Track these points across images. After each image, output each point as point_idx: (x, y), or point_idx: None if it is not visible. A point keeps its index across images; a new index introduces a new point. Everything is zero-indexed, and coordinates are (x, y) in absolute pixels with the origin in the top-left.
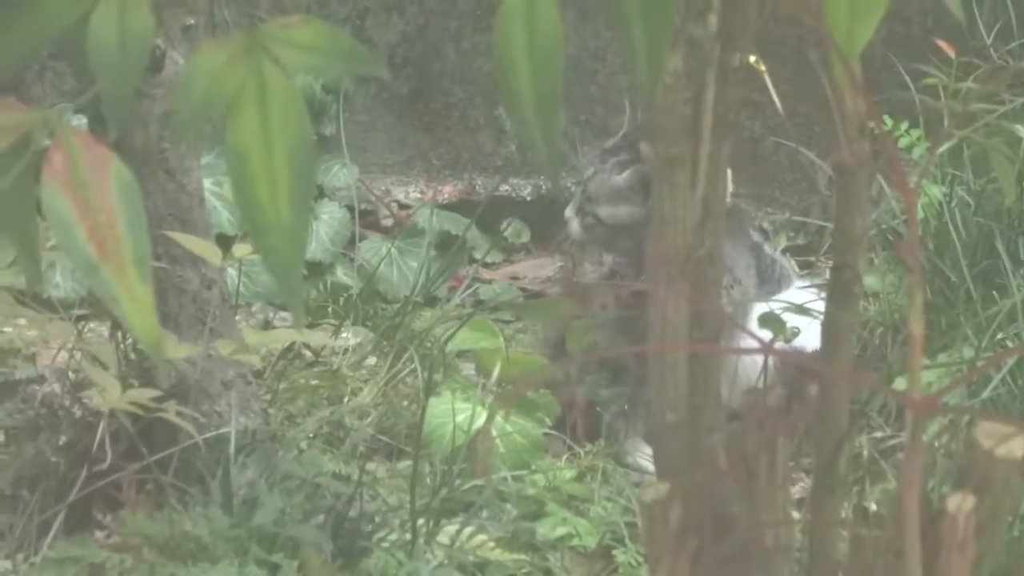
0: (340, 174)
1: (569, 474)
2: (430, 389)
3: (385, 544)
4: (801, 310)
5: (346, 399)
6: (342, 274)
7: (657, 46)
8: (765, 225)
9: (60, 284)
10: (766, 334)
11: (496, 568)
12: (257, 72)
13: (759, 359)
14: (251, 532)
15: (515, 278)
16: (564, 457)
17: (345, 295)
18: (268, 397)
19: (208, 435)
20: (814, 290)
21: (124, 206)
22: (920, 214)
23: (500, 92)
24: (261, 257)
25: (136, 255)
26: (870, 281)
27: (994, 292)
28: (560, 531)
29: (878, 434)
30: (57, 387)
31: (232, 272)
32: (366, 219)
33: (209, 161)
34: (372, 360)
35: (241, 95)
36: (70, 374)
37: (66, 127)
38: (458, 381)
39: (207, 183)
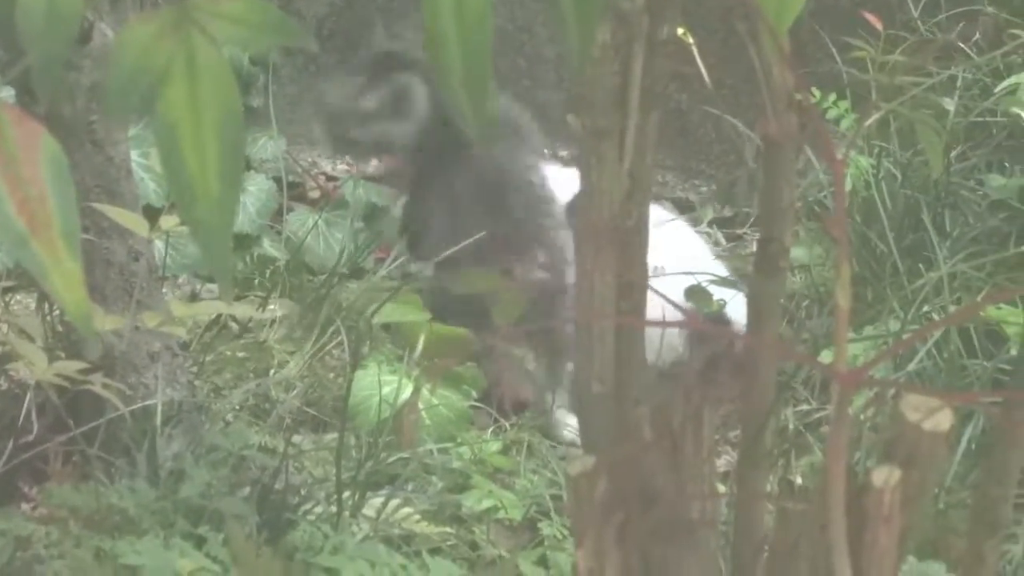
0: (267, 146)
1: (495, 447)
2: (356, 362)
3: (311, 517)
4: (727, 282)
5: (272, 371)
6: (269, 246)
7: (588, 18)
8: (691, 197)
9: None
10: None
11: (422, 540)
12: (186, 44)
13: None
14: (177, 505)
15: None
16: (490, 430)
17: (272, 267)
18: (195, 369)
19: (134, 407)
20: None
21: (54, 180)
22: (848, 186)
23: (430, 63)
24: (190, 229)
25: (65, 228)
26: (797, 253)
27: (920, 265)
28: (486, 503)
29: (804, 407)
30: None
31: (159, 244)
32: (293, 191)
33: (136, 132)
34: (298, 333)
35: (170, 68)
36: None
37: None
38: (384, 354)
39: (134, 155)
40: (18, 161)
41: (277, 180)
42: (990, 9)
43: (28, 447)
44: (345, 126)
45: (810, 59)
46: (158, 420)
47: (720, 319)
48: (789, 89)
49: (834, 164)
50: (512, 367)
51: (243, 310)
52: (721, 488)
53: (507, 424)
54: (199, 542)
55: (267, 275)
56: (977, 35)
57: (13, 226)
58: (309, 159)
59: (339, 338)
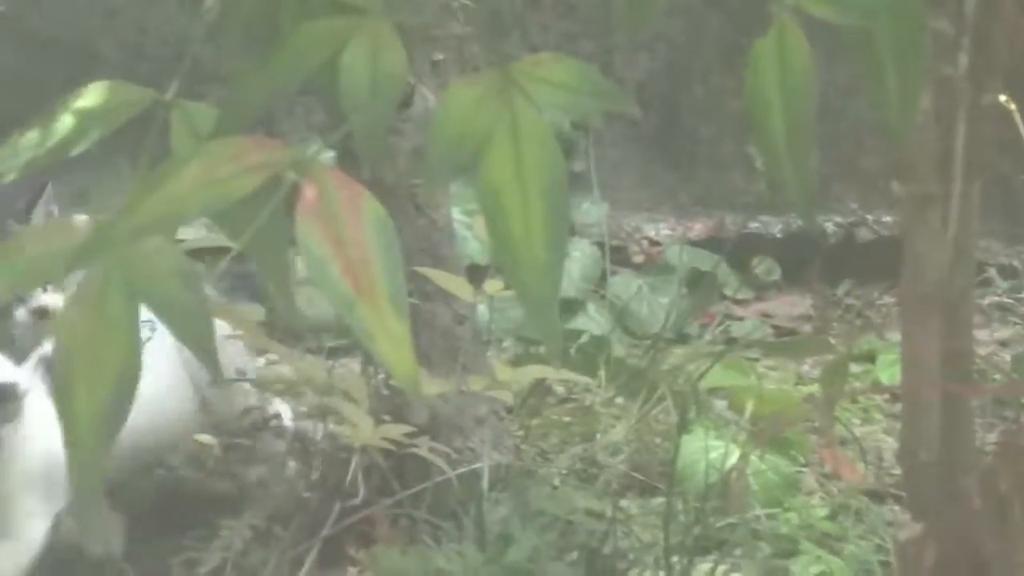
0: (590, 211)
1: (822, 512)
2: (683, 426)
3: None
4: None
5: (598, 435)
6: (593, 311)
7: (910, 86)
8: (1016, 263)
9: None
10: None
11: None
12: (510, 109)
13: None
14: (504, 569)
15: (766, 315)
16: (817, 495)
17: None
18: (520, 433)
19: (461, 471)
20: None
21: (378, 242)
22: None
23: (751, 129)
24: (517, 295)
25: (391, 291)
26: None
27: None
28: (814, 569)
29: None
30: (308, 423)
31: (483, 307)
32: (617, 256)
33: (456, 190)
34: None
35: (494, 132)
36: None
37: (319, 164)
38: (710, 418)
39: (455, 212)
40: (342, 223)
41: (600, 245)
42: None
43: (355, 511)
44: None
45: None
46: (485, 484)
47: None
48: None
49: None
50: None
51: (568, 374)
52: None
53: (835, 489)
54: None
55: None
56: None
57: (339, 289)
58: (632, 224)
59: (665, 403)
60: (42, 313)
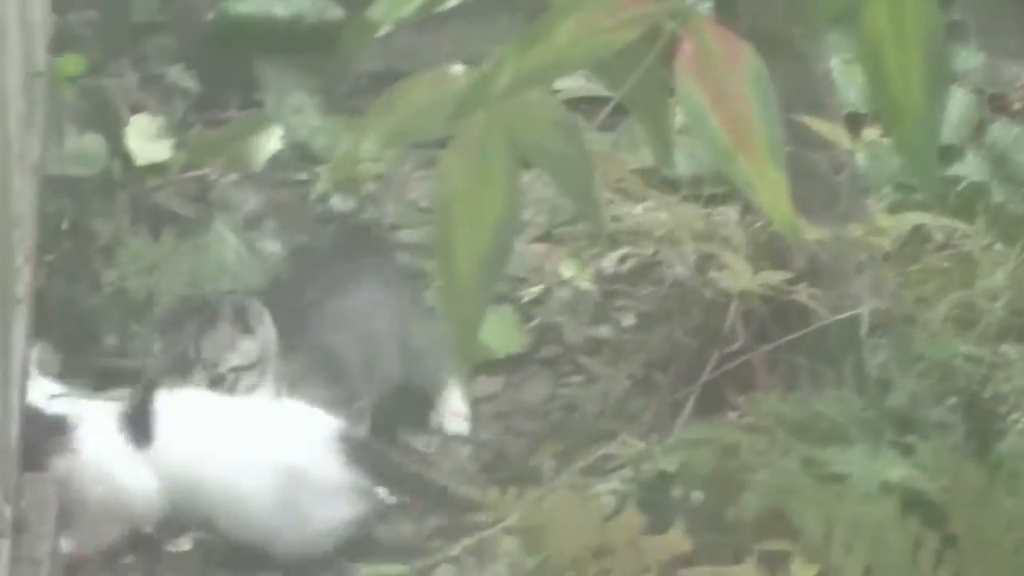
0: (968, 59)
1: None
2: None
3: (1019, 426)
4: None
5: (977, 281)
6: (971, 158)
7: None
8: None
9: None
10: None
11: None
12: None
13: None
14: (884, 414)
15: None
16: None
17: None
18: (899, 279)
19: (840, 317)
20: None
21: (756, 95)
22: None
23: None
24: (895, 142)
25: (770, 142)
26: None
27: None
28: None
29: None
30: (686, 270)
31: (861, 155)
32: (995, 103)
33: (834, 38)
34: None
35: None
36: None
37: (698, 15)
38: None
39: (833, 61)
40: (722, 76)
41: (978, 92)
42: None
43: (733, 357)
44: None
45: None
46: (864, 329)
47: None
48: None
49: None
50: None
51: (946, 221)
52: None
53: None
54: (907, 451)
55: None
56: None
57: (719, 140)
58: (1011, 71)
59: None
60: None
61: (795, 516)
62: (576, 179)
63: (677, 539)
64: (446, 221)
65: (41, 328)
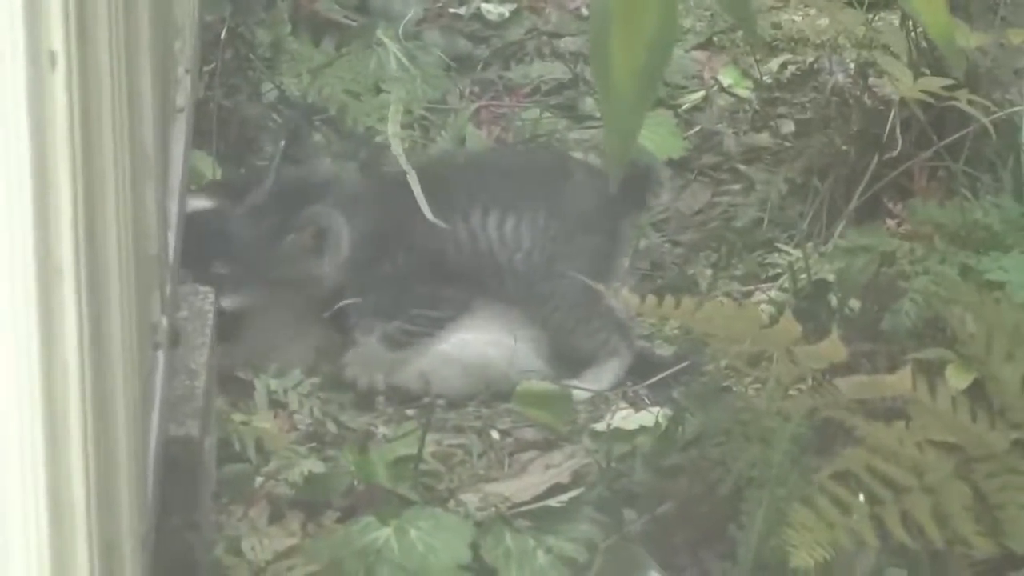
0: None
1: None
2: None
3: None
4: None
5: None
6: None
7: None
8: None
9: None
10: None
11: None
12: None
13: None
14: None
15: None
16: None
17: None
18: None
19: (999, 122)
20: None
21: None
22: None
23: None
24: None
25: None
26: None
27: None
28: None
29: None
30: (845, 77)
31: None
32: None
33: None
34: None
35: None
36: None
37: None
38: None
39: None
40: None
41: None
42: None
43: (892, 163)
44: (264, 267)
45: None
46: (1023, 135)
47: None
48: None
49: None
50: None
51: None
52: None
53: None
54: None
55: None
56: None
57: None
58: None
59: None
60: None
61: (953, 324)
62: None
63: (834, 347)
64: (602, 34)
65: (201, 137)
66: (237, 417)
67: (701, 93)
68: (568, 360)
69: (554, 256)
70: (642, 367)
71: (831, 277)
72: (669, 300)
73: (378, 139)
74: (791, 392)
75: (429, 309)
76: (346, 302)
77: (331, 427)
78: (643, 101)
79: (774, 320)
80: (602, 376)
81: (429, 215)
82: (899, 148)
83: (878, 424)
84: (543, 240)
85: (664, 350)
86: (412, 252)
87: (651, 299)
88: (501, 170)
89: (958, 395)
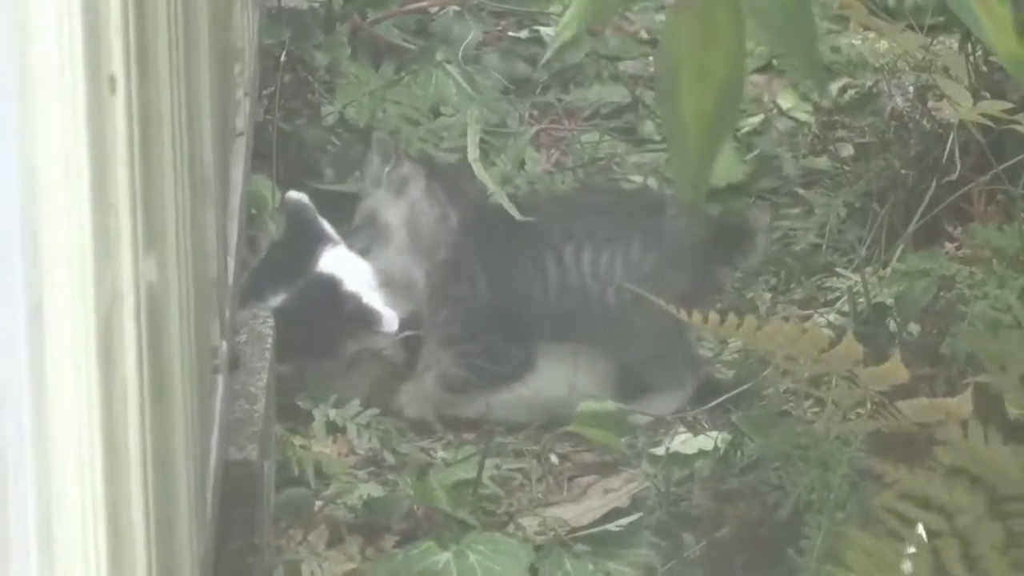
0: None
1: None
2: None
3: None
4: None
5: None
6: None
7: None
8: None
9: None
10: None
11: None
12: None
13: None
14: None
15: None
16: None
17: None
18: None
19: None
20: None
21: None
22: None
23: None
24: None
25: None
26: None
27: None
28: None
29: None
30: (904, 100)
31: None
32: None
33: None
34: None
35: None
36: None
37: None
38: None
39: None
40: None
41: None
42: None
43: (951, 187)
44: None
45: None
46: None
47: None
48: None
49: None
50: None
51: None
52: None
53: None
54: None
55: None
56: None
57: None
58: None
59: None
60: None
61: (1009, 349)
62: (800, 40)
63: (897, 369)
64: (671, 82)
65: (260, 161)
66: (296, 441)
67: (760, 117)
68: (631, 388)
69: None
70: (701, 391)
71: (890, 301)
72: (732, 318)
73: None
74: (849, 416)
75: (490, 363)
76: (407, 333)
77: (388, 456)
78: (714, 146)
79: (835, 342)
80: (663, 403)
81: (517, 215)
82: (958, 172)
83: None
84: (636, 274)
85: (723, 375)
86: (495, 283)
87: (714, 317)
88: (594, 206)
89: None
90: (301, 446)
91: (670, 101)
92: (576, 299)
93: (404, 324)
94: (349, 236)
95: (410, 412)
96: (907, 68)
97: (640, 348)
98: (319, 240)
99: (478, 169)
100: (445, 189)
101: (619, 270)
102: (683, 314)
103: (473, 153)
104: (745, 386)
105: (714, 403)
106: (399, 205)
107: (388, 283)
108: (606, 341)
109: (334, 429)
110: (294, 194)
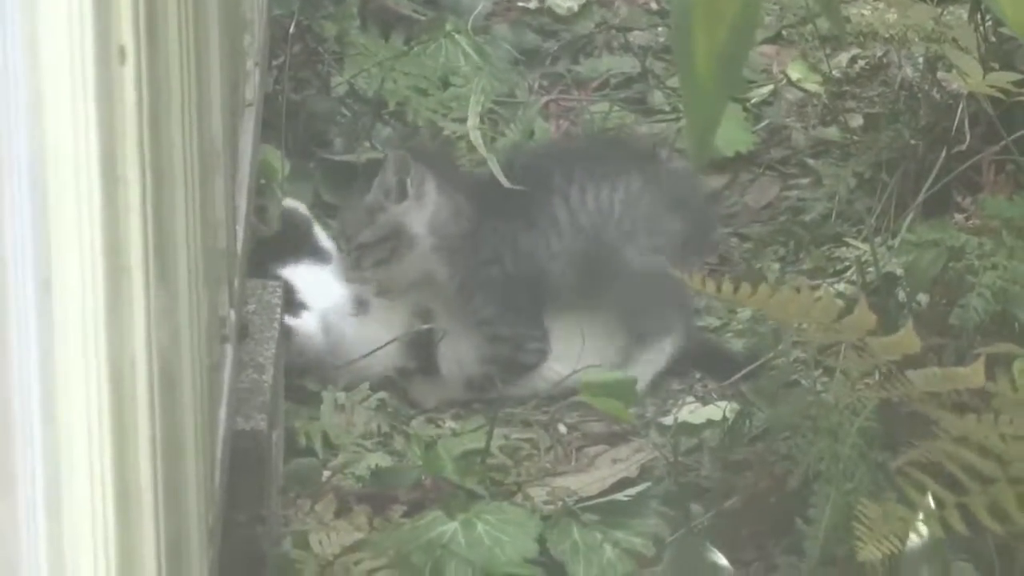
0: None
1: None
2: None
3: None
4: None
5: None
6: None
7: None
8: None
9: None
10: None
11: None
12: None
13: None
14: None
15: None
16: None
17: None
18: None
19: None
20: None
21: None
22: None
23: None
24: None
25: None
26: None
27: None
28: None
29: None
30: (914, 71)
31: None
32: None
33: None
34: None
35: None
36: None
37: None
38: None
39: None
40: None
41: None
42: None
43: (961, 158)
44: (355, 235)
45: None
46: None
47: None
48: None
49: None
50: None
51: None
52: None
53: None
54: None
55: None
56: None
57: None
58: None
59: None
60: None
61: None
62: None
63: (909, 338)
64: (684, 22)
65: (269, 131)
66: (304, 412)
67: (770, 87)
68: (628, 344)
69: (640, 230)
70: (712, 362)
71: (899, 271)
72: (745, 286)
73: (445, 133)
74: (858, 386)
75: (515, 351)
76: (426, 327)
77: (398, 440)
78: (725, 87)
79: (845, 312)
80: (656, 358)
81: (505, 182)
82: (967, 142)
83: (961, 415)
84: (633, 211)
85: (733, 344)
86: (518, 254)
87: (727, 284)
88: (592, 152)
89: None
90: (310, 417)
91: (683, 39)
92: (589, 244)
93: (423, 319)
94: (364, 250)
95: (427, 406)
96: (916, 39)
97: (638, 296)
98: (309, 257)
99: (474, 136)
100: (451, 179)
101: (618, 203)
102: (696, 282)
103: (472, 120)
104: (761, 360)
105: (732, 379)
106: (422, 211)
107: (413, 285)
108: (618, 298)
109: (343, 412)
110: (291, 203)
